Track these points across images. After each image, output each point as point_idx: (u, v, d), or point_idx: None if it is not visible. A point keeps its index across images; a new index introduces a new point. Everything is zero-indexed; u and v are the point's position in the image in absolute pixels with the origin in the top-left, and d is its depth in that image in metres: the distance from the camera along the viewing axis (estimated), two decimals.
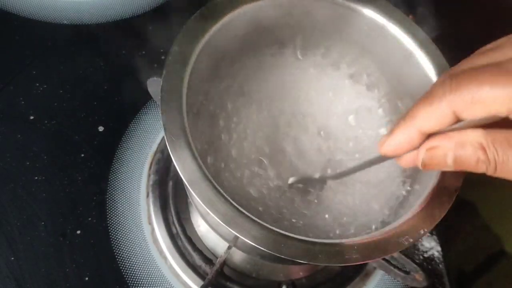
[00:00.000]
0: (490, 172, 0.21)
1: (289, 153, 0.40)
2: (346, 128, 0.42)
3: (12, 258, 0.45)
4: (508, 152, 0.20)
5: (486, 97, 0.19)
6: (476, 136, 0.21)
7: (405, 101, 0.40)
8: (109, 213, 0.48)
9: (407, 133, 0.22)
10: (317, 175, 0.38)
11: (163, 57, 0.57)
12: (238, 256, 0.46)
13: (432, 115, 0.21)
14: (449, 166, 0.22)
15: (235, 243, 0.37)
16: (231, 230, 0.27)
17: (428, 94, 0.22)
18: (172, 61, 0.32)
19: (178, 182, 0.49)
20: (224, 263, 0.42)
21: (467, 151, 0.21)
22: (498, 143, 0.20)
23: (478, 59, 0.22)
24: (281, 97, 0.42)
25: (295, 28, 0.41)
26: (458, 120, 0.21)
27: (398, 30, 0.37)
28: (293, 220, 0.37)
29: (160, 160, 0.51)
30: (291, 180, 0.38)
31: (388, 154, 0.23)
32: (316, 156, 0.40)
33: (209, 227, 0.40)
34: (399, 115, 0.41)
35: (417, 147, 0.23)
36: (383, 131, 0.42)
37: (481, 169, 0.21)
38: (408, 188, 0.37)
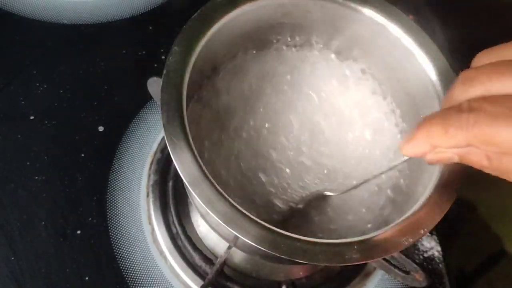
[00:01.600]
0: (492, 173, 0.23)
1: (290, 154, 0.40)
2: (344, 126, 0.42)
3: (12, 258, 0.45)
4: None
5: (503, 141, 0.20)
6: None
7: (403, 99, 0.40)
8: (109, 213, 0.48)
9: (422, 147, 0.24)
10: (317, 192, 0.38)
11: (163, 57, 0.57)
12: (238, 256, 0.46)
13: (446, 142, 0.22)
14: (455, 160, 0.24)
15: (235, 243, 0.37)
16: (231, 230, 0.27)
17: (444, 116, 0.22)
18: (172, 61, 0.32)
19: (178, 182, 0.49)
20: (224, 263, 0.42)
21: (473, 158, 0.23)
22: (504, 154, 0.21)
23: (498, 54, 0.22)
24: (283, 95, 0.42)
25: (295, 28, 0.41)
26: None
27: (398, 30, 0.37)
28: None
29: (160, 160, 0.51)
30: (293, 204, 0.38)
31: (407, 155, 0.25)
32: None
33: (209, 227, 0.40)
34: (397, 113, 0.41)
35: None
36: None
37: (484, 169, 0.23)
38: (407, 188, 0.37)
